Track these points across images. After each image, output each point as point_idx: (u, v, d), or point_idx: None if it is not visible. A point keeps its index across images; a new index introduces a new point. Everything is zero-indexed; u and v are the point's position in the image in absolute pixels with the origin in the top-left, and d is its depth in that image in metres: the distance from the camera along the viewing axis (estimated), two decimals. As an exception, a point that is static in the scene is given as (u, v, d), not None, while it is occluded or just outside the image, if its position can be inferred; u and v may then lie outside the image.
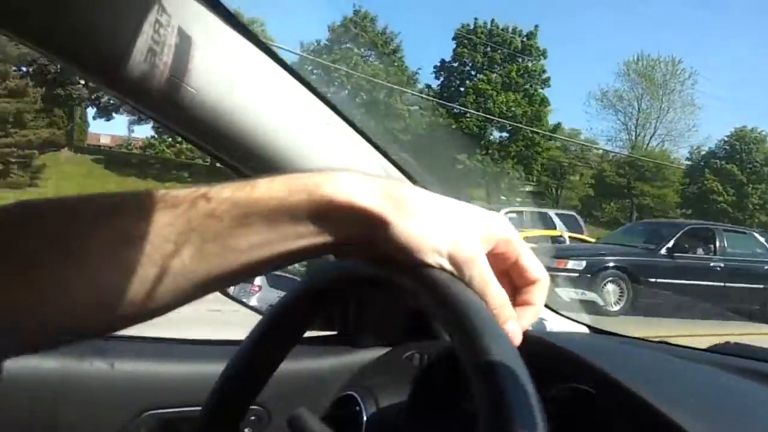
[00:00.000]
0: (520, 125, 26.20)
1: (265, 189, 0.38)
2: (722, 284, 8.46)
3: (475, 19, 28.00)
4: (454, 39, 28.39)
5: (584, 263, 8.08)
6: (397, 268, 0.40)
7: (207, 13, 0.58)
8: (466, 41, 27.93)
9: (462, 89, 27.59)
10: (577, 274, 7.84)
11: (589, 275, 7.94)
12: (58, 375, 0.67)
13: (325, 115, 0.63)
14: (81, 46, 0.55)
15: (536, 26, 28.32)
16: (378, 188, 0.39)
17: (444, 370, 0.66)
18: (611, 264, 8.27)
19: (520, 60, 27.64)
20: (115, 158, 24.09)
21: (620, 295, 8.09)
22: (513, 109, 26.79)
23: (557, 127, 28.94)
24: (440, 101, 26.38)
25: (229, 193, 0.38)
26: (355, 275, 0.46)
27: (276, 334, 0.52)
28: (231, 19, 0.59)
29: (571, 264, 7.98)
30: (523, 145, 27.40)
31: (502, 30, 27.89)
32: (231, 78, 0.59)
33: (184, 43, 0.57)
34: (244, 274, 0.39)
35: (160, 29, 0.55)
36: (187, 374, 0.70)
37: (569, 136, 30.09)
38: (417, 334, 0.76)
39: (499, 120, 26.10)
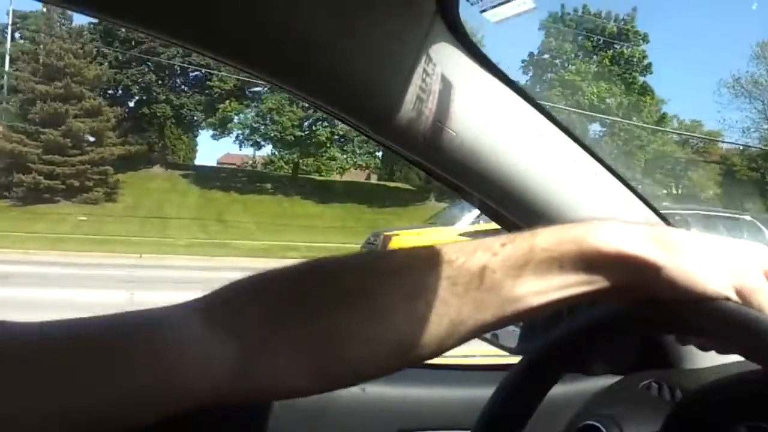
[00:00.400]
0: (616, 118, 25.10)
1: (535, 242, 0.43)
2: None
3: (562, 5, 27.28)
4: (540, 29, 27.81)
5: None
6: (684, 305, 0.44)
7: (461, 54, 0.64)
8: (553, 30, 27.25)
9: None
10: None
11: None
12: (312, 398, 0.75)
13: (572, 151, 0.67)
14: (354, 98, 0.63)
15: (634, 8, 27.15)
16: (644, 234, 0.43)
17: (698, 400, 0.68)
18: None
19: (617, 46, 26.56)
20: (206, 174, 25.48)
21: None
22: (606, 100, 25.74)
23: (663, 118, 27.45)
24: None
25: (500, 246, 0.43)
26: (635, 317, 0.49)
27: (545, 369, 0.56)
28: (481, 57, 0.65)
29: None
30: (621, 139, 26.24)
31: (594, 15, 26.97)
32: (485, 118, 0.65)
33: (446, 88, 0.63)
34: (514, 320, 0.44)
35: (427, 78, 0.62)
36: (435, 397, 0.77)
37: (688, 128, 28.26)
38: (649, 363, 0.78)
39: (591, 114, 25.15)
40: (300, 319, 0.42)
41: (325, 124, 24.49)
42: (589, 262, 0.42)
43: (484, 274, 0.43)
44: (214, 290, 0.45)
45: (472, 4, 0.59)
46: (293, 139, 24.90)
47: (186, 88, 25.82)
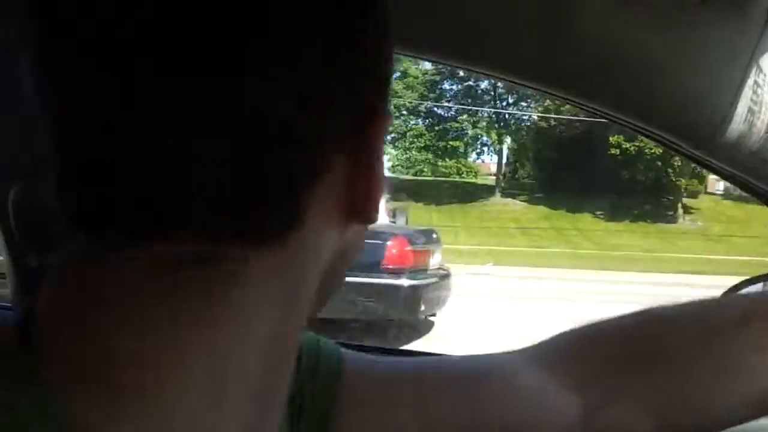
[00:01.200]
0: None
1: None
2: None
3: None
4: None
5: None
6: None
7: None
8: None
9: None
10: None
11: None
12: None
13: None
14: (679, 115, 0.65)
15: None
16: None
17: None
18: None
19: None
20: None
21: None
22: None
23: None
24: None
25: None
26: None
27: None
28: None
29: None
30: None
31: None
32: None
33: (774, 98, 0.64)
34: None
35: (758, 89, 0.63)
36: None
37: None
38: None
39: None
40: (642, 369, 0.44)
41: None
42: None
43: None
44: (544, 341, 0.47)
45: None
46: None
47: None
